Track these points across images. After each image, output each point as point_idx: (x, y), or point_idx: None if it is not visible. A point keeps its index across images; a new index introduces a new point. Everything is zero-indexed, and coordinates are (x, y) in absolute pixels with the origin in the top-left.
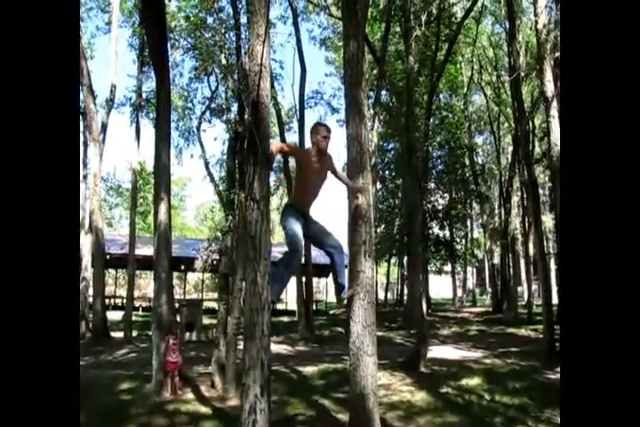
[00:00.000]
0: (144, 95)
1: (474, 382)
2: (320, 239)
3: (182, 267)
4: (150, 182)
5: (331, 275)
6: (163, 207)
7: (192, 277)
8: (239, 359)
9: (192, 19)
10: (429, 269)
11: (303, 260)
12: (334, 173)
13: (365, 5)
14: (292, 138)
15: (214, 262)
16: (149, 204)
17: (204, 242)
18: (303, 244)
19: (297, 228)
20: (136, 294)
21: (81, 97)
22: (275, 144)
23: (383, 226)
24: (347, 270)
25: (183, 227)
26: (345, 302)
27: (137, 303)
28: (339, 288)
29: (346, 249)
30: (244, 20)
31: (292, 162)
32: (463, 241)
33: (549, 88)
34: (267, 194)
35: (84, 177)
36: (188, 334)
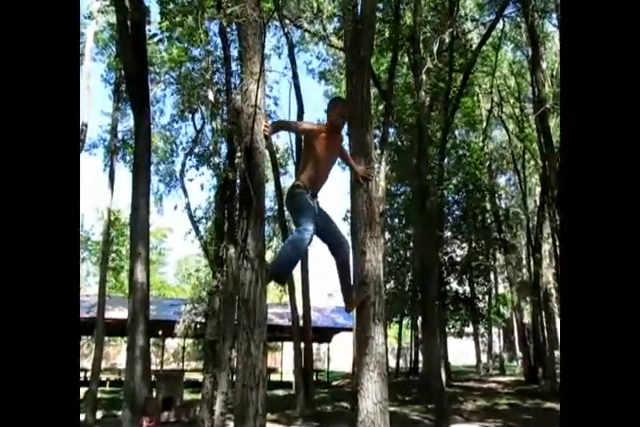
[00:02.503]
0: (120, 135)
1: None
2: (326, 236)
3: (160, 332)
4: (124, 234)
5: (339, 283)
6: (139, 264)
7: (171, 343)
8: None
9: (176, 50)
10: (448, 331)
11: (302, 323)
12: (341, 152)
13: (370, 37)
14: (288, 182)
15: (198, 327)
16: (123, 258)
17: (187, 303)
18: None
19: (311, 218)
20: (103, 365)
21: None
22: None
23: (393, 281)
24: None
25: (162, 285)
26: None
27: (104, 377)
28: (349, 294)
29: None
30: (234, 52)
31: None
32: (486, 298)
33: None
34: (262, 251)
35: None
36: (165, 413)
